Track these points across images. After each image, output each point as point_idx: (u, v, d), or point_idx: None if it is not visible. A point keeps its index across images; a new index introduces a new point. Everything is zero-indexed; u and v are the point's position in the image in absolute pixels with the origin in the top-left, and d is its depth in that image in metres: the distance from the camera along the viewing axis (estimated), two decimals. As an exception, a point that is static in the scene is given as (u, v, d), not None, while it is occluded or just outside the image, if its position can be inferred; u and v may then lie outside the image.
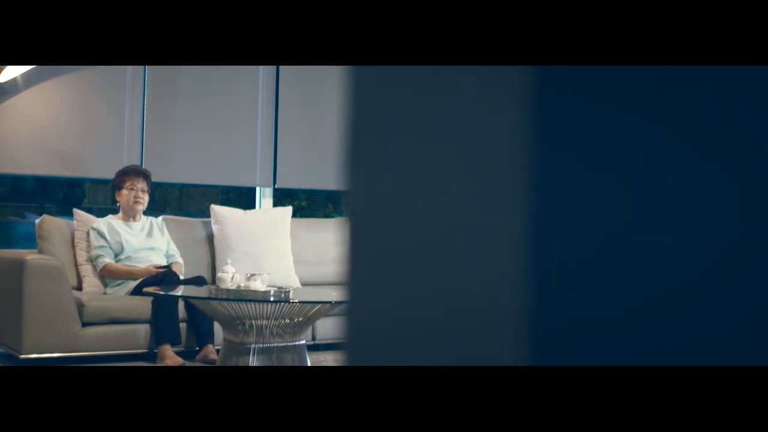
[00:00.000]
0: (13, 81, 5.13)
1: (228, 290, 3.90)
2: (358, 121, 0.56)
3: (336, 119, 6.24)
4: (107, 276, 4.75)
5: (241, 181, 5.99)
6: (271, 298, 3.77)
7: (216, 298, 3.80)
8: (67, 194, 8.27)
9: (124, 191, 4.94)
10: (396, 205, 0.53)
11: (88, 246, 4.81)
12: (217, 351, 4.40)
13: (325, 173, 6.21)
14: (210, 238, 5.35)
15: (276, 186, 6.08)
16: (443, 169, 0.50)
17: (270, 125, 6.02)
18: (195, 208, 8.98)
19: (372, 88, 0.55)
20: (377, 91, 0.55)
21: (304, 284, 5.40)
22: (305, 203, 8.92)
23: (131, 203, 4.92)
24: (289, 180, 6.11)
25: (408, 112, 0.52)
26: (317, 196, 8.91)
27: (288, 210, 5.64)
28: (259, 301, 3.71)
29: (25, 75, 5.16)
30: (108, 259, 4.75)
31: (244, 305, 3.72)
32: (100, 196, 8.58)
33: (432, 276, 0.51)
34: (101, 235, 4.78)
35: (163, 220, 5.19)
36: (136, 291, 4.60)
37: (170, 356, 4.38)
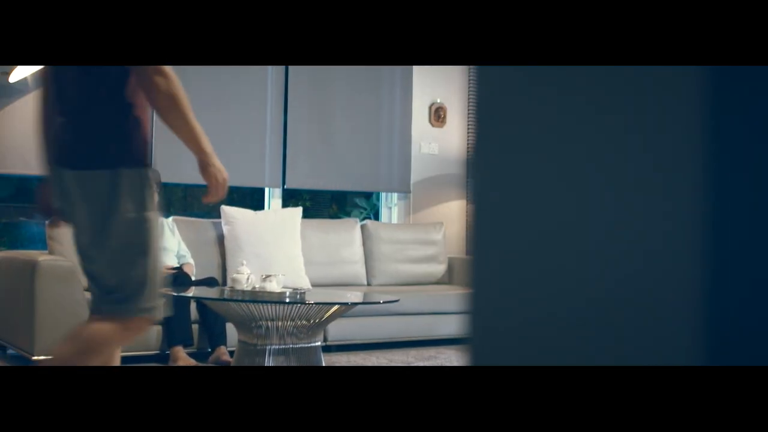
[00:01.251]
0: (23, 81, 5.10)
1: (243, 291, 3.88)
2: (491, 123, 0.54)
3: (345, 119, 6.21)
4: (118, 277, 4.72)
5: (250, 181, 5.96)
6: (287, 300, 3.75)
7: (232, 300, 3.77)
8: (72, 195, 8.21)
9: (135, 192, 4.90)
10: (540, 206, 0.50)
11: (99, 247, 4.78)
12: (230, 353, 4.38)
13: (334, 174, 6.18)
14: (220, 239, 5.32)
15: (285, 186, 6.05)
16: (597, 170, 0.48)
17: (279, 125, 5.99)
18: (199, 209, 8.95)
19: (505, 89, 0.53)
20: (509, 91, 0.53)
21: (314, 285, 5.37)
22: (309, 204, 8.89)
23: (142, 204, 4.89)
24: (297, 180, 6.08)
25: (549, 111, 0.50)
26: (321, 196, 8.88)
27: (298, 211, 5.61)
28: (276, 303, 3.69)
29: (34, 75, 5.13)
30: (119, 260, 4.71)
31: (260, 306, 3.69)
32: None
33: (585, 276, 0.48)
34: (112, 235, 4.75)
35: (173, 220, 5.16)
36: (148, 292, 4.57)
37: (183, 357, 4.35)
